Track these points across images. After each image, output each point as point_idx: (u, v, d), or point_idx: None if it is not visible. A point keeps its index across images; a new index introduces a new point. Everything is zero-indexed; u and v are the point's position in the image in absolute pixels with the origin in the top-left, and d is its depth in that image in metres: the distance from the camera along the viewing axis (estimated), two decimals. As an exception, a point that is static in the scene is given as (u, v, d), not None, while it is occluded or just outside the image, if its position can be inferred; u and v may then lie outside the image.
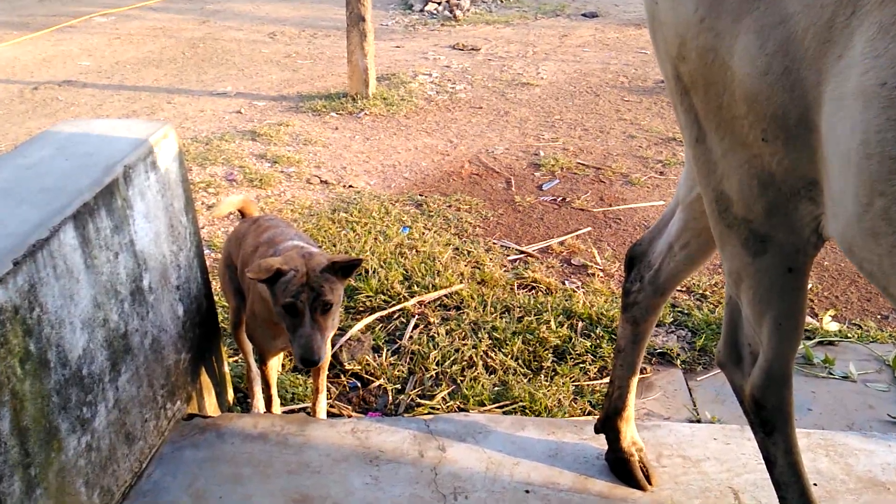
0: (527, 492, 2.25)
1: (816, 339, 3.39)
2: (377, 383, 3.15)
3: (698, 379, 3.17)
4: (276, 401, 2.82)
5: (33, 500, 1.80)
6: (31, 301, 1.81)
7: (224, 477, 2.31)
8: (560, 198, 4.95)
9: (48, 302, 1.87)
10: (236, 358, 3.29)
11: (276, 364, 2.85)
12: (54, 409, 1.89)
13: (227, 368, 3.04)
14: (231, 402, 3.06)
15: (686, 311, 3.63)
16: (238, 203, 3.22)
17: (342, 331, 3.41)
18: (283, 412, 2.91)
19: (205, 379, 2.82)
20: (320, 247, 4.04)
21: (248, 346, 2.89)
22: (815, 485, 2.04)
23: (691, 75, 1.62)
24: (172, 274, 2.55)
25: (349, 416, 2.92)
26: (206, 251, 3.79)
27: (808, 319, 3.49)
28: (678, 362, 3.27)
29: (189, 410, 2.67)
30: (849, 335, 3.44)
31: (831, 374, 3.16)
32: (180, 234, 2.62)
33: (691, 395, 3.06)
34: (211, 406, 2.85)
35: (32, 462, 1.80)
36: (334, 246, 4.18)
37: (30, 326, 1.80)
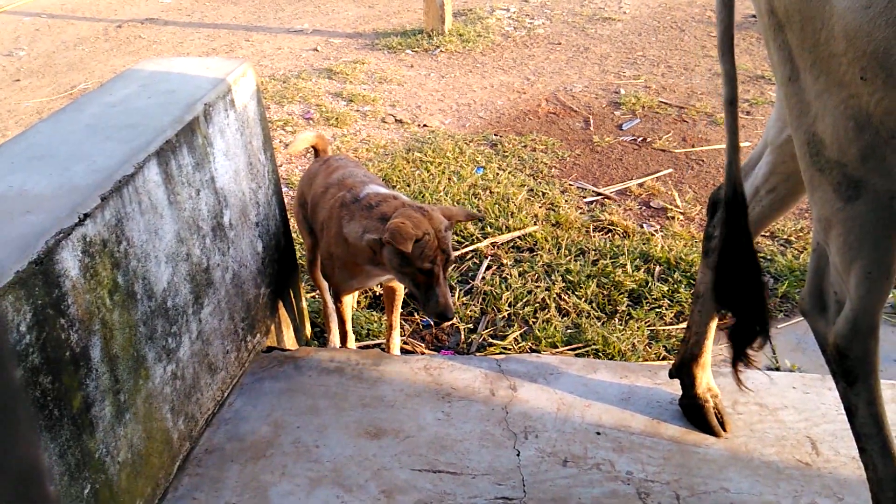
0: (598, 433, 2.27)
1: (908, 289, 3.26)
2: (450, 322, 3.20)
3: (779, 327, 3.10)
4: (351, 336, 2.89)
5: (123, 425, 1.92)
6: (118, 235, 1.89)
7: (301, 408, 2.40)
8: (640, 138, 4.84)
9: (134, 236, 1.95)
10: (314, 294, 3.37)
11: (350, 301, 2.90)
12: (141, 339, 1.99)
13: (304, 304, 3.14)
14: (308, 336, 3.16)
15: (769, 257, 3.53)
16: (311, 140, 3.20)
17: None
18: (358, 347, 2.99)
19: (283, 313, 2.91)
20: (393, 187, 4.08)
21: (324, 283, 2.94)
22: (898, 437, 1.99)
23: (787, 9, 1.54)
24: (252, 211, 2.62)
25: (422, 354, 2.98)
26: (284, 189, 3.87)
27: (901, 268, 3.35)
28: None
29: (268, 343, 2.77)
30: (944, 285, 3.29)
31: (922, 325, 3.04)
32: (259, 172, 2.68)
33: (771, 343, 3.00)
34: (289, 340, 2.95)
35: (122, 388, 1.91)
36: (408, 186, 4.21)
37: (117, 259, 1.89)
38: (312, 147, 3.21)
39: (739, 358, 2.03)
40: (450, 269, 2.44)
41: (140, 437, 1.99)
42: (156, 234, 2.05)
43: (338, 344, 3.00)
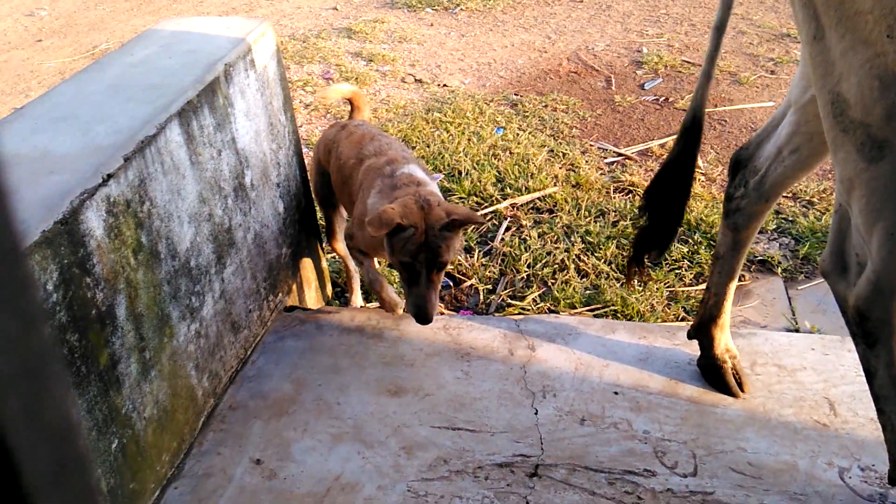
0: (615, 393, 2.28)
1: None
2: (469, 283, 3.21)
3: (799, 288, 3.08)
4: (386, 286, 2.78)
5: (149, 381, 1.95)
6: (141, 195, 1.91)
7: (323, 366, 2.43)
8: (662, 98, 4.78)
9: (157, 196, 1.97)
10: (334, 254, 3.40)
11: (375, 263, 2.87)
12: (165, 298, 2.02)
13: (325, 264, 3.16)
14: (330, 296, 3.18)
15: (790, 218, 3.50)
16: (347, 92, 3.04)
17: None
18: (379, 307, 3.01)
19: (305, 273, 2.94)
20: (413, 148, 4.06)
21: (345, 252, 2.91)
22: (917, 399, 1.99)
23: (812, -35, 1.51)
24: (272, 171, 2.63)
25: (441, 314, 2.99)
26: (304, 150, 3.87)
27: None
28: (779, 270, 3.18)
29: (290, 303, 2.80)
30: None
31: (946, 287, 3.01)
32: (279, 133, 2.68)
33: (791, 305, 2.98)
34: (311, 299, 2.98)
35: (147, 346, 1.94)
36: (428, 147, 4.19)
37: (141, 219, 1.90)
38: (349, 102, 3.04)
39: (635, 260, 2.32)
40: (440, 271, 2.28)
41: (165, 393, 2.03)
42: (178, 195, 2.06)
43: (359, 304, 3.00)
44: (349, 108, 3.11)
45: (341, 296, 3.22)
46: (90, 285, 1.71)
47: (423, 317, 2.26)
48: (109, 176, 1.79)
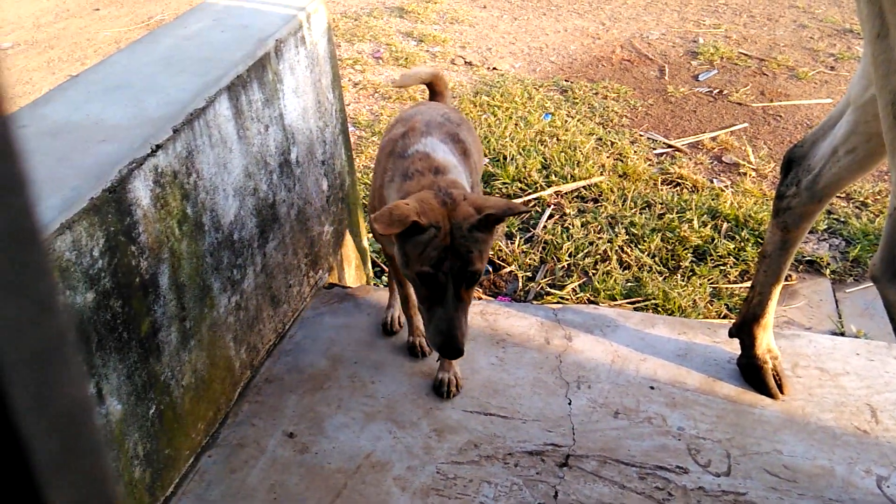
0: (651, 388, 2.25)
1: None
2: (508, 269, 3.20)
3: (847, 291, 3.01)
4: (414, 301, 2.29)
5: (188, 351, 1.98)
6: (188, 167, 1.93)
7: (359, 344, 2.45)
8: (717, 90, 4.68)
9: (204, 169, 1.99)
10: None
11: None
12: (208, 269, 2.05)
13: (366, 243, 3.17)
14: (370, 275, 3.20)
15: (842, 219, 3.41)
16: (426, 76, 2.59)
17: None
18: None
19: (345, 252, 2.95)
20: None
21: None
22: (965, 412, 1.93)
23: (880, -41, 1.46)
24: (318, 149, 2.64)
25: (479, 299, 2.99)
26: (351, 129, 3.88)
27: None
28: (827, 272, 3.10)
29: (330, 280, 2.81)
30: None
31: None
32: (327, 111, 2.68)
33: (837, 307, 2.92)
34: (350, 277, 2.99)
35: (188, 316, 1.97)
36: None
37: (187, 191, 1.93)
38: (429, 87, 2.60)
39: None
40: (471, 287, 1.78)
41: (203, 363, 2.06)
42: (224, 168, 2.08)
43: (395, 315, 2.47)
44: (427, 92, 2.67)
45: (380, 275, 3.24)
46: (135, 253, 1.74)
47: (451, 347, 1.74)
48: (158, 147, 1.81)
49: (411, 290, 2.19)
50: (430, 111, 2.19)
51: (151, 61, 2.18)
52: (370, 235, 3.35)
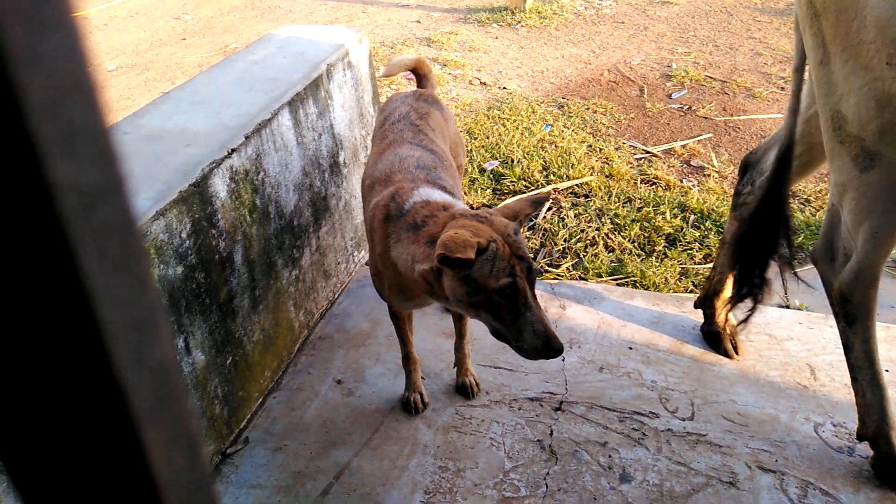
0: (630, 348, 2.24)
1: (912, 247, 3.05)
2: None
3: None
4: (415, 359, 2.04)
5: (257, 313, 2.00)
6: (257, 167, 1.93)
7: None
8: (686, 106, 4.60)
9: (269, 168, 2.00)
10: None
11: (409, 316, 1.98)
12: (273, 249, 2.06)
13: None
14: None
15: (790, 214, 3.35)
16: (409, 63, 2.30)
17: (488, 208, 3.43)
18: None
19: (382, 236, 2.95)
20: (474, 139, 4.01)
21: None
22: (886, 371, 1.90)
23: (824, 1, 1.42)
24: (361, 153, 2.64)
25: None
26: (388, 136, 3.85)
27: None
28: (776, 256, 3.05)
29: (369, 259, 2.82)
30: (945, 246, 3.06)
31: (921, 278, 2.85)
32: (367, 121, 2.68)
33: (784, 285, 2.87)
34: (386, 257, 2.99)
35: (257, 286, 1.98)
36: (487, 138, 4.14)
37: (256, 186, 1.93)
38: (414, 73, 2.32)
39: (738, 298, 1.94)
40: (536, 283, 1.51)
41: (270, 323, 2.08)
42: (286, 168, 2.09)
43: (417, 398, 2.04)
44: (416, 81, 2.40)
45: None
46: (215, 235, 1.75)
47: (555, 349, 1.45)
48: (233, 150, 1.82)
49: (412, 348, 1.97)
50: (409, 150, 1.80)
51: (227, 81, 2.18)
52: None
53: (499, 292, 1.42)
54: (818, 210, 3.34)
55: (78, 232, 0.16)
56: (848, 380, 1.79)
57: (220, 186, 1.76)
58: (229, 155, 1.80)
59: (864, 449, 1.83)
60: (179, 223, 1.61)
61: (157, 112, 1.98)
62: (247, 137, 1.88)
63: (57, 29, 0.16)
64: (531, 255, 3.01)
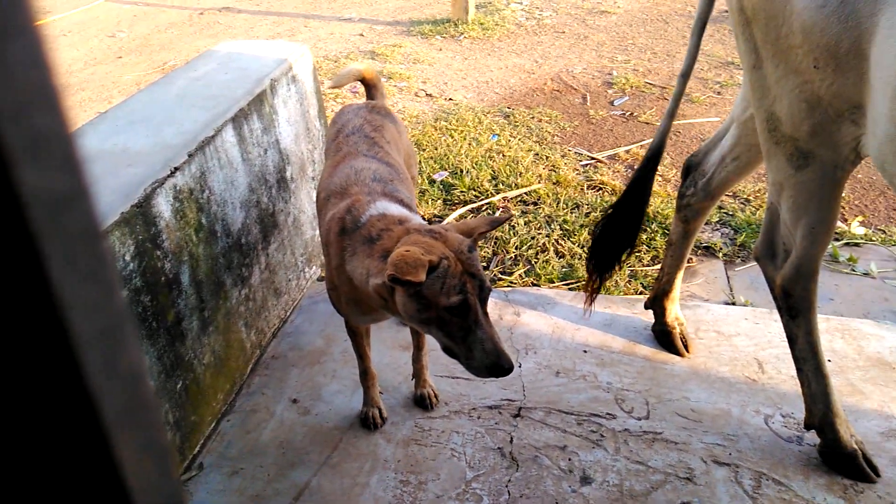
0: (584, 351, 2.28)
1: (844, 241, 3.21)
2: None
3: (736, 269, 3.07)
4: (372, 373, 2.03)
5: (207, 335, 1.96)
6: (202, 185, 1.90)
7: (347, 326, 2.43)
8: (628, 112, 4.74)
9: (214, 186, 1.96)
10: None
11: (366, 331, 1.99)
12: (221, 268, 2.02)
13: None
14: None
15: (731, 213, 3.48)
16: (357, 73, 2.27)
17: (439, 219, 3.44)
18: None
19: (333, 251, 2.93)
20: (423, 150, 4.03)
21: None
22: (829, 360, 1.99)
23: (754, 8, 1.49)
24: (308, 167, 2.62)
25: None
26: (335, 150, 3.83)
27: (838, 224, 3.30)
28: (720, 255, 3.16)
29: (322, 274, 2.79)
30: (873, 238, 3.23)
31: (854, 270, 2.99)
32: (314, 136, 2.66)
33: (729, 283, 2.97)
34: (338, 272, 2.97)
35: (206, 307, 1.94)
36: (435, 149, 4.16)
37: (201, 204, 1.90)
38: (362, 83, 2.31)
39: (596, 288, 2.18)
40: (488, 300, 1.50)
41: (220, 345, 2.03)
42: (232, 185, 2.06)
43: (376, 413, 2.02)
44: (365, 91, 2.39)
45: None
46: (160, 257, 1.71)
47: (504, 367, 1.43)
48: (176, 169, 1.78)
49: (370, 363, 1.97)
50: (365, 163, 1.79)
51: (168, 98, 2.14)
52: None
53: (449, 310, 1.41)
54: (758, 209, 3.48)
55: (47, 239, 0.16)
56: (794, 371, 1.86)
57: (163, 206, 1.72)
58: (172, 174, 1.76)
59: (812, 437, 1.90)
60: (122, 245, 1.57)
61: (94, 132, 1.92)
62: (190, 155, 1.84)
63: (20, 36, 0.16)
64: (484, 268, 3.03)
